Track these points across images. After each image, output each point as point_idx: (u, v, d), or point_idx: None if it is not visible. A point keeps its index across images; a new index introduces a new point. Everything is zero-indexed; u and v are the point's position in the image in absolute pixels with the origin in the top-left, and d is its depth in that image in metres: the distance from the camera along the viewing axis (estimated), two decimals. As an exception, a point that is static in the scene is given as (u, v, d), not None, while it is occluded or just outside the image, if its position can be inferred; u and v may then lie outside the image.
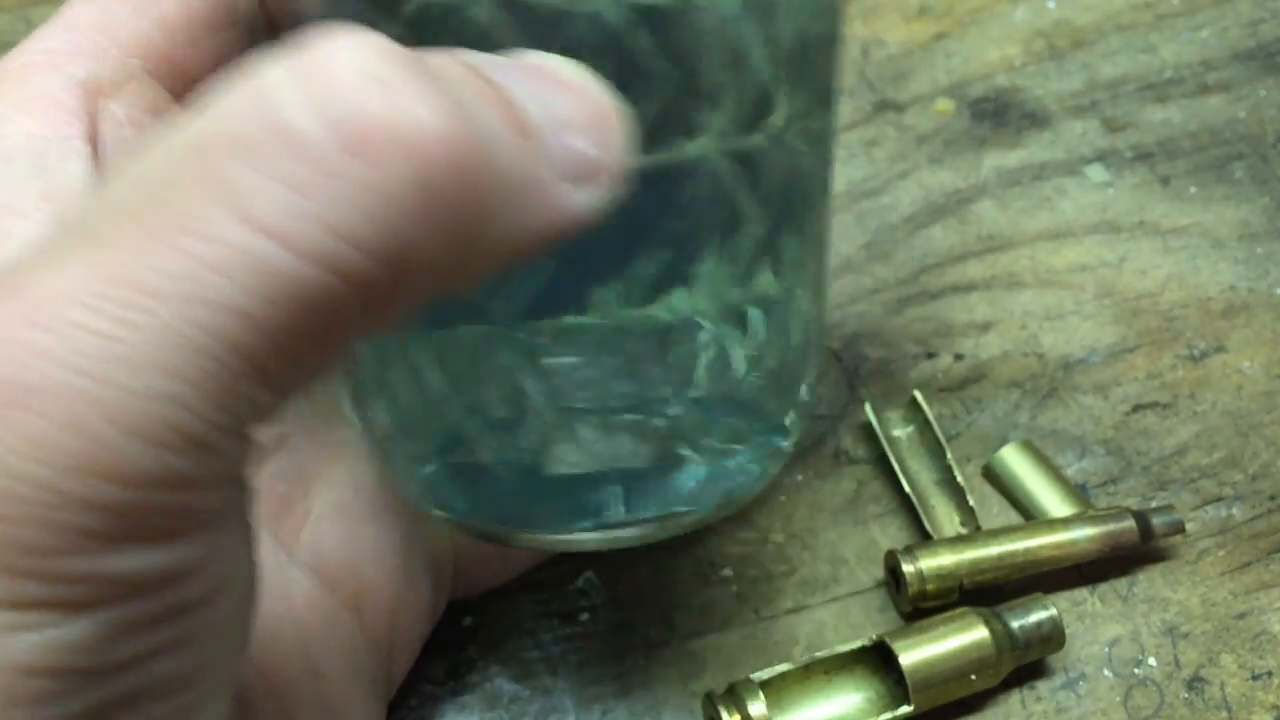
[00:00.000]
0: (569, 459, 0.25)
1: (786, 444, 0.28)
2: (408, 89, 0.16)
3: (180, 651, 0.17)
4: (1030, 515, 0.34)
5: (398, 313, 0.17)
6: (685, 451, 0.26)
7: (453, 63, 0.17)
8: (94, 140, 0.23)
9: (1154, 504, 0.35)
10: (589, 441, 0.25)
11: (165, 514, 0.16)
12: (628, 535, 0.27)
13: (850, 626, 0.33)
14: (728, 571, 0.34)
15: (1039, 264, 0.41)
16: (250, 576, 0.19)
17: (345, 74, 0.16)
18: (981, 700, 0.31)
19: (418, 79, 0.16)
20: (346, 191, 0.15)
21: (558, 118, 0.18)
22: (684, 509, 0.27)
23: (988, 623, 0.31)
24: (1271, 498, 0.35)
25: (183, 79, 0.26)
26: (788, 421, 0.28)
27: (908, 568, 0.32)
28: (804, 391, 0.28)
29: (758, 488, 0.28)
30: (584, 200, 0.18)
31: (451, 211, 0.16)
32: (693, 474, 0.26)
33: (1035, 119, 0.45)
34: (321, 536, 0.28)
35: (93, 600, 0.16)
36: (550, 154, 0.18)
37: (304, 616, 0.27)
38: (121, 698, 0.17)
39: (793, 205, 0.26)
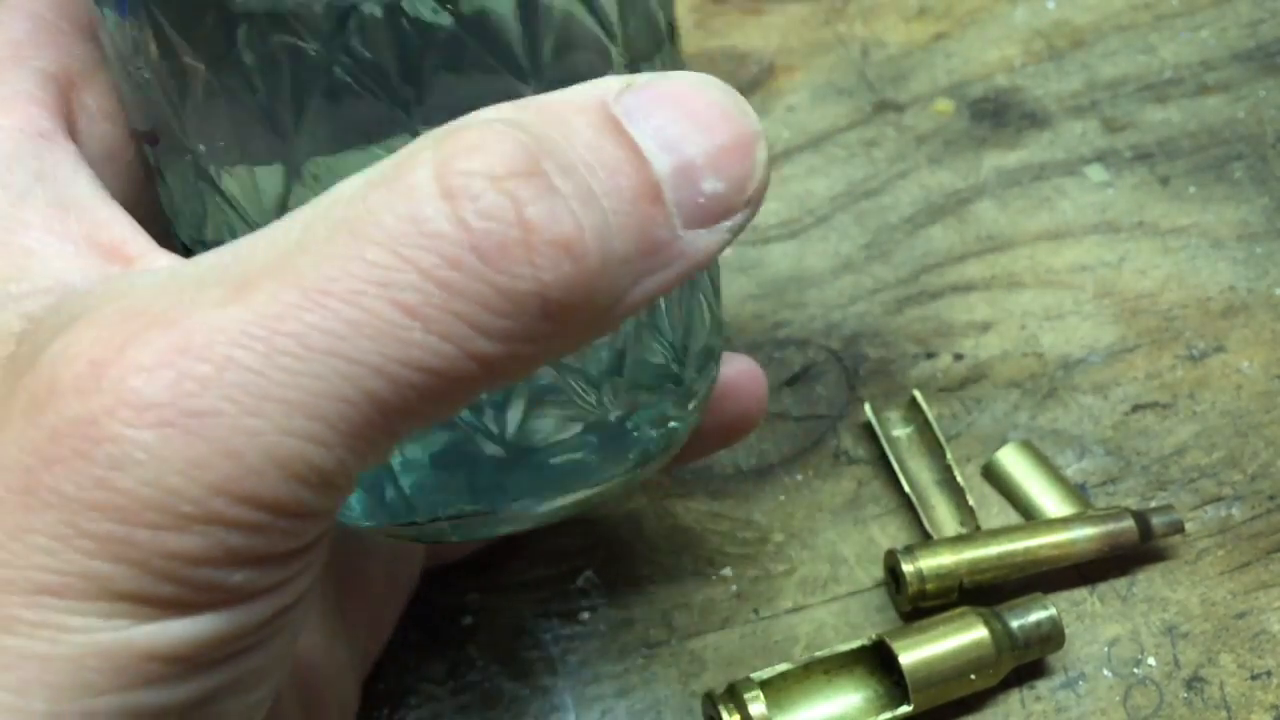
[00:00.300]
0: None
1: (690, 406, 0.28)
2: (536, 198, 0.18)
3: (267, 649, 0.20)
4: (1030, 515, 0.34)
5: (524, 375, 0.19)
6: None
7: (587, 128, 0.19)
8: (74, 137, 0.23)
9: (1153, 504, 0.35)
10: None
11: (287, 538, 0.18)
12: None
13: (850, 626, 0.33)
14: (728, 571, 0.34)
15: (1039, 264, 0.41)
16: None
17: (479, 182, 0.18)
18: (981, 700, 0.31)
19: (547, 183, 0.18)
20: (476, 290, 0.17)
21: (689, 162, 0.19)
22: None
23: (987, 622, 0.31)
24: (1271, 498, 0.35)
25: None
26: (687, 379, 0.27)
27: (907, 567, 0.32)
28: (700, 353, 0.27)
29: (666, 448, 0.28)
30: (713, 241, 0.20)
31: (572, 310, 0.18)
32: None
33: (1035, 119, 0.45)
34: None
35: (213, 604, 0.18)
36: (678, 210, 0.19)
37: None
38: (220, 687, 0.19)
39: None
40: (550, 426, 0.25)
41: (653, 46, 0.25)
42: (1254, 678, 0.32)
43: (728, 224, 0.20)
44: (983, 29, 0.48)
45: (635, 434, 0.26)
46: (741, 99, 0.20)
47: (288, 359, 0.17)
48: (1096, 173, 0.43)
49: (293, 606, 0.20)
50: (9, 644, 0.17)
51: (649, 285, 0.20)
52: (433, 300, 0.17)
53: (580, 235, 0.18)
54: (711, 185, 0.20)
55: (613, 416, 0.26)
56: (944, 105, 0.45)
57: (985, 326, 0.39)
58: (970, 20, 0.48)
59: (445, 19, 0.21)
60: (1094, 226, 0.41)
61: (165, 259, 0.21)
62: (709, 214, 0.20)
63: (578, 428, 0.25)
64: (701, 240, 0.20)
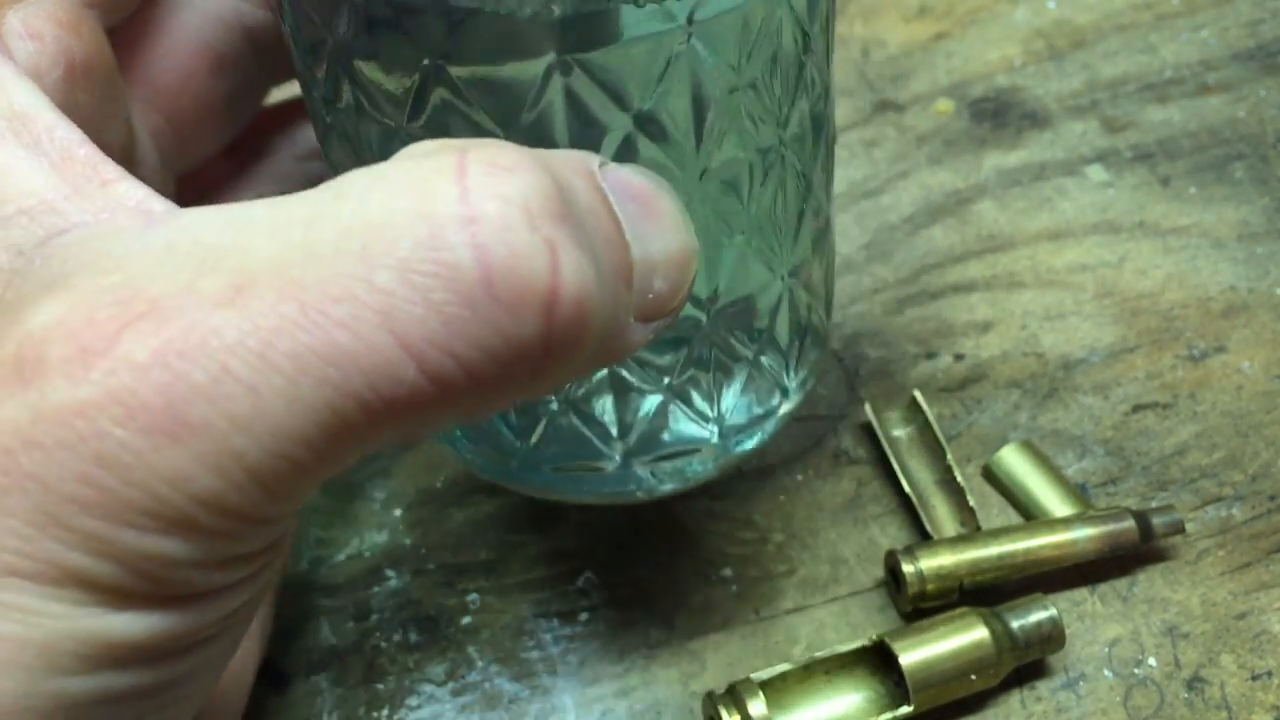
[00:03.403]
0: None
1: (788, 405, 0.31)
2: (557, 246, 0.17)
3: (225, 639, 0.20)
4: (1030, 515, 0.34)
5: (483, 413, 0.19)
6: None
7: (590, 192, 0.19)
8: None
9: (1154, 504, 0.35)
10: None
11: (257, 540, 0.19)
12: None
13: (850, 626, 0.33)
14: (728, 571, 0.34)
15: (1039, 264, 0.41)
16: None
17: (505, 221, 0.17)
18: (981, 700, 0.31)
19: (566, 232, 0.18)
20: (482, 331, 0.17)
21: (651, 259, 0.20)
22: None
23: (988, 623, 0.31)
24: (1271, 498, 0.35)
25: None
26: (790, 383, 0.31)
27: (908, 568, 0.32)
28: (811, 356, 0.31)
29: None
30: (644, 337, 0.20)
31: (555, 360, 0.18)
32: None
33: (1035, 119, 0.45)
34: None
35: (183, 600, 0.18)
36: (637, 298, 0.20)
37: None
38: (183, 674, 0.19)
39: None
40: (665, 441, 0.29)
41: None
42: (1255, 678, 0.32)
43: (655, 324, 0.21)
44: (983, 29, 0.48)
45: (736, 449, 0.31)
46: (685, 214, 0.21)
47: (280, 380, 0.17)
48: (1097, 173, 0.43)
49: (252, 599, 0.20)
50: None
51: (598, 359, 0.20)
52: (434, 338, 0.17)
53: (593, 298, 0.18)
54: (659, 285, 0.20)
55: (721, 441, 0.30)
56: (944, 105, 0.45)
57: (985, 326, 0.39)
58: (970, 20, 0.48)
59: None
60: (1094, 226, 0.41)
61: (141, 191, 0.20)
62: (650, 311, 0.20)
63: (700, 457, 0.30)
64: (638, 333, 0.20)
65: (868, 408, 0.36)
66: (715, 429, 0.29)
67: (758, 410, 0.30)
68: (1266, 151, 0.43)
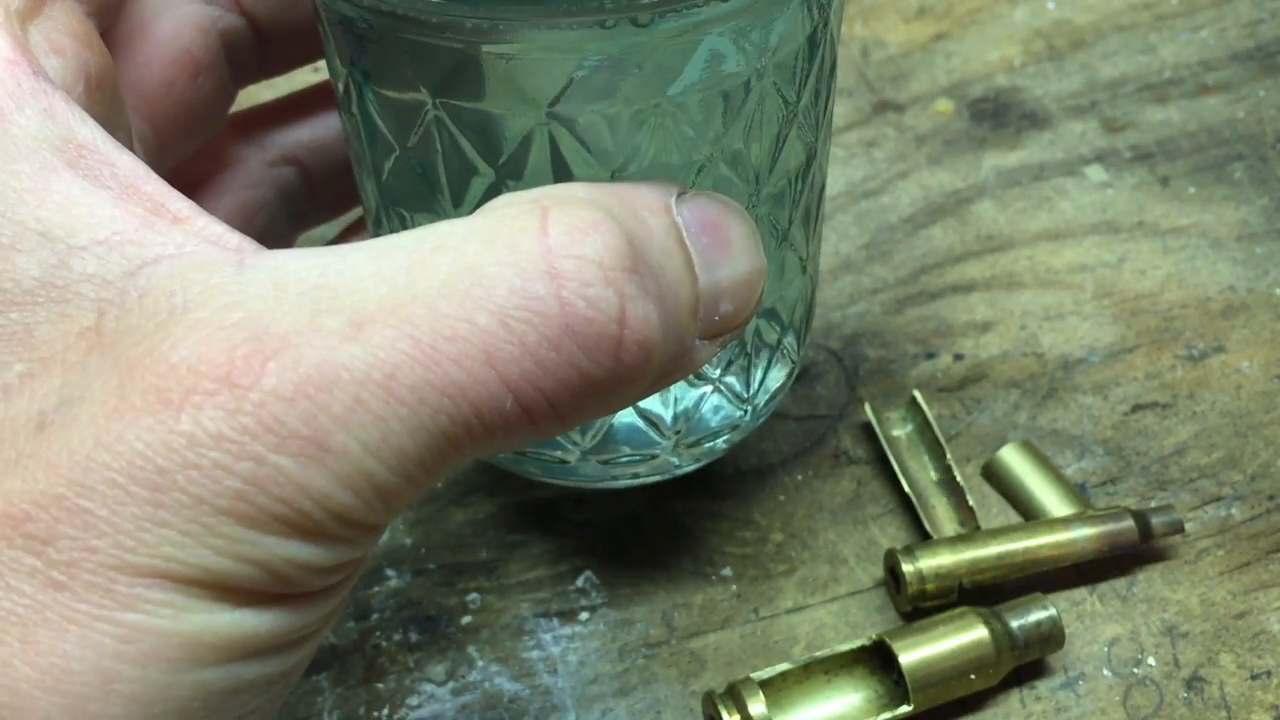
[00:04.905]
0: None
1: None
2: (635, 297, 0.20)
3: (322, 634, 0.22)
4: (1030, 515, 0.34)
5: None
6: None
7: (665, 232, 0.22)
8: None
9: (1153, 504, 0.35)
10: None
11: (367, 547, 0.21)
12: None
13: (850, 626, 0.33)
14: (728, 571, 0.34)
15: (1038, 264, 0.41)
16: None
17: (582, 277, 0.20)
18: (981, 700, 0.31)
19: (634, 283, 0.20)
20: (563, 369, 0.20)
21: (719, 285, 0.22)
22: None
23: (987, 622, 0.31)
24: (1270, 498, 0.35)
25: None
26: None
27: (907, 567, 0.32)
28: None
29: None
30: (710, 354, 0.23)
31: (622, 388, 0.21)
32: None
33: (1035, 119, 0.45)
34: None
35: (310, 598, 0.20)
36: (703, 322, 0.22)
37: None
38: (299, 663, 0.21)
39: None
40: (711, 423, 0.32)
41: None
42: (1254, 678, 0.32)
43: (722, 339, 0.23)
44: (983, 29, 0.48)
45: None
46: (757, 233, 0.23)
47: (404, 410, 0.19)
48: (1096, 173, 0.43)
49: (346, 598, 0.22)
50: (131, 619, 0.19)
51: (663, 383, 0.22)
52: (528, 375, 0.20)
53: (656, 338, 0.21)
54: (726, 307, 0.23)
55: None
56: (944, 105, 0.45)
57: (985, 326, 0.39)
58: (970, 20, 0.48)
59: None
60: (1094, 226, 0.41)
61: (218, 227, 0.21)
62: (716, 330, 0.23)
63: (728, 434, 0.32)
64: (704, 351, 0.23)
65: (867, 408, 0.36)
66: (749, 408, 0.31)
67: (779, 384, 0.32)
68: (1266, 152, 0.43)
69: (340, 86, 0.27)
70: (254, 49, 0.30)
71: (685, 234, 0.22)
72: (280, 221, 0.33)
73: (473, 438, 0.20)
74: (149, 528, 0.18)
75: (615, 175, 0.25)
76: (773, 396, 0.32)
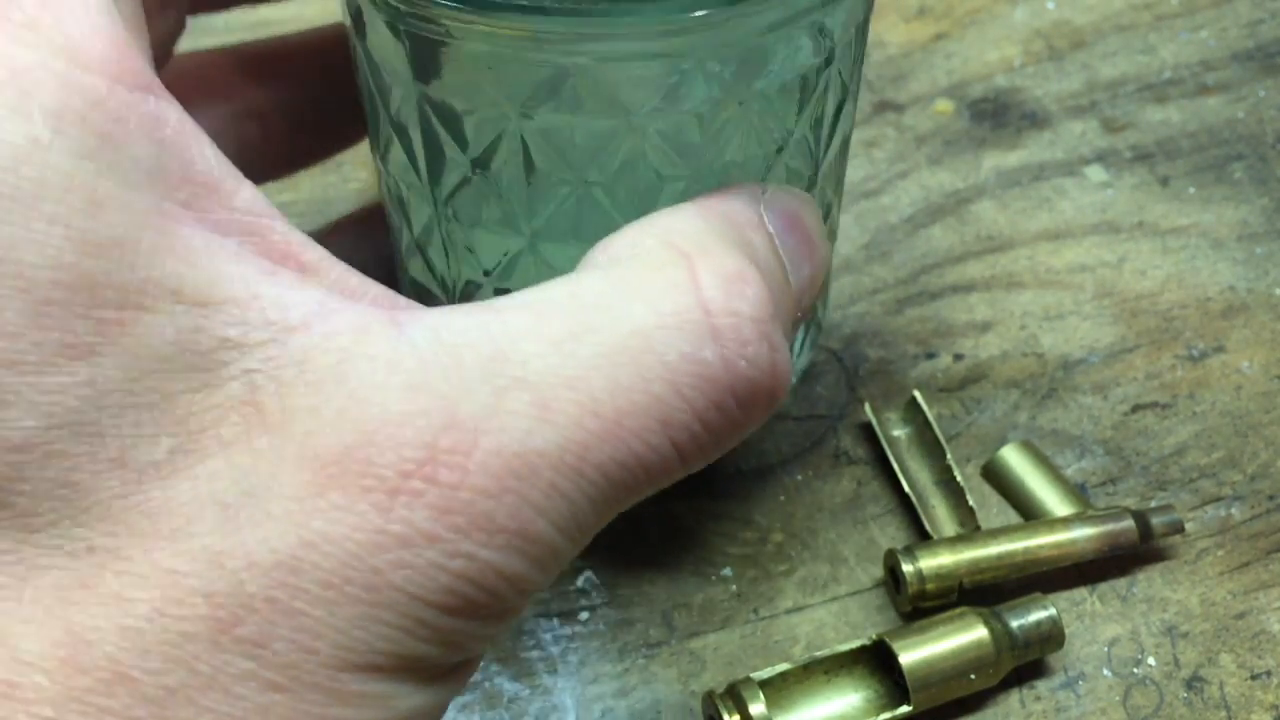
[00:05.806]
0: None
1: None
2: (775, 348, 0.21)
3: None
4: (1030, 515, 0.34)
5: None
6: None
7: (766, 247, 0.22)
8: None
9: (1153, 504, 0.35)
10: None
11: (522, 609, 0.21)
12: None
13: (850, 626, 0.33)
14: (728, 571, 0.34)
15: (1038, 264, 0.41)
16: None
17: (740, 335, 0.20)
18: (981, 700, 0.31)
19: (778, 329, 0.21)
20: (724, 426, 0.21)
21: (803, 283, 0.23)
22: None
23: (987, 622, 0.31)
24: (1270, 498, 0.35)
25: None
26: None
27: (907, 567, 0.32)
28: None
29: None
30: (786, 347, 0.23)
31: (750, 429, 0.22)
32: None
33: (1035, 119, 0.45)
34: None
35: (467, 663, 0.21)
36: (788, 320, 0.23)
37: None
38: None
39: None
40: None
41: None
42: (1254, 678, 0.32)
43: (794, 332, 0.24)
44: (983, 29, 0.48)
45: None
46: (821, 216, 0.24)
47: (593, 490, 0.20)
48: (1096, 173, 0.43)
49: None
50: (352, 714, 0.19)
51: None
52: (697, 439, 0.20)
53: (788, 375, 0.21)
54: (805, 302, 0.23)
55: None
56: (944, 105, 0.45)
57: (985, 326, 0.39)
58: (970, 20, 0.48)
59: None
60: (1094, 226, 0.41)
61: (354, 278, 0.20)
62: (796, 325, 0.23)
63: None
64: (784, 346, 0.23)
65: (867, 408, 0.36)
66: None
67: (808, 352, 0.34)
68: (1266, 152, 0.43)
69: (396, 102, 0.26)
70: None
71: (777, 241, 0.23)
72: None
73: (636, 498, 0.21)
74: (366, 625, 0.19)
75: (698, 171, 0.25)
76: (797, 358, 0.33)
